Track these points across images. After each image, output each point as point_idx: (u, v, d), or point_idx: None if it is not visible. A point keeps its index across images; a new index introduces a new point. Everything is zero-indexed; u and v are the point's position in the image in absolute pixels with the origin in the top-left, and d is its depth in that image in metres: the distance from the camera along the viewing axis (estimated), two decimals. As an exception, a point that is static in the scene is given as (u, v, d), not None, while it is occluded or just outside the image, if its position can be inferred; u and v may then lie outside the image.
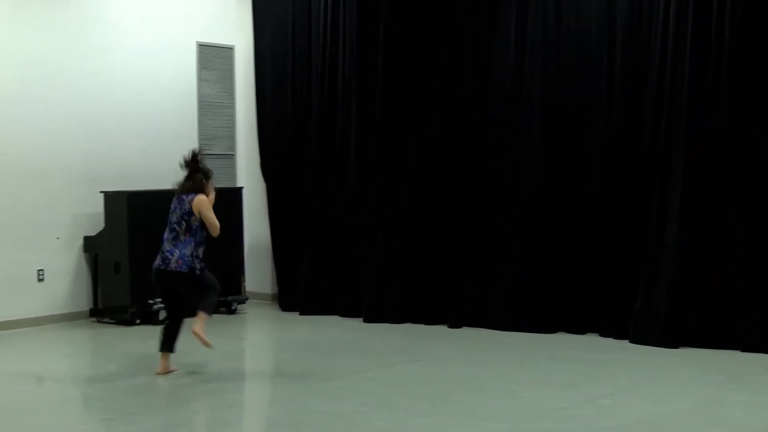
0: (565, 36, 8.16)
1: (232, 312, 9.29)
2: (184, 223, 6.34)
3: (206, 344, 6.19)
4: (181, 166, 6.45)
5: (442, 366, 6.98)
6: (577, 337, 7.96)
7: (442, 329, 8.43)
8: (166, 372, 6.46)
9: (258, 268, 10.03)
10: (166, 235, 6.38)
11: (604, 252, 7.93)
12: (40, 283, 8.65)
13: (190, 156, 6.43)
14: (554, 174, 8.18)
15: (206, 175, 6.47)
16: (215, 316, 9.11)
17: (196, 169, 6.42)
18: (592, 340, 7.87)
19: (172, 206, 6.42)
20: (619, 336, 7.78)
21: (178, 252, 6.29)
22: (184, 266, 6.29)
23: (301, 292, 9.36)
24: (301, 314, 9.25)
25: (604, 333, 7.91)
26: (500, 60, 8.43)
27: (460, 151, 8.58)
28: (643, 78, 7.74)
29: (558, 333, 8.09)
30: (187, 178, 6.42)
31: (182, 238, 6.32)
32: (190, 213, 6.34)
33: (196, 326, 6.14)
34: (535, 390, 6.18)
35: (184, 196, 6.38)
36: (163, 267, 6.30)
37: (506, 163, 8.40)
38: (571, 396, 6.01)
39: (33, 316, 8.56)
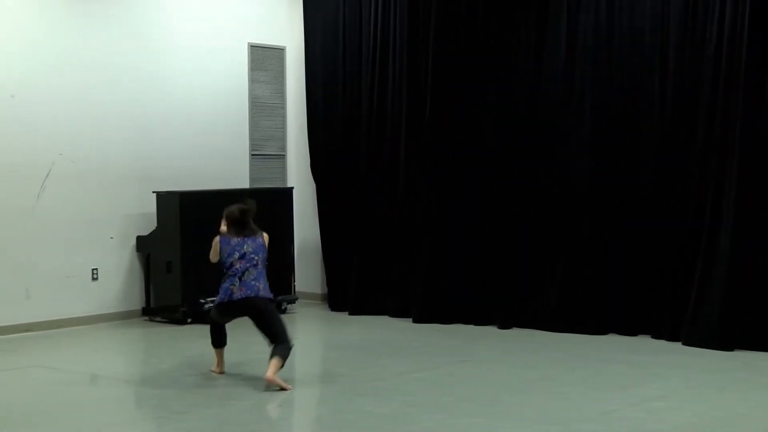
0: (617, 37, 8.07)
1: (282, 312, 9.34)
2: (261, 255, 6.56)
3: (285, 388, 6.23)
4: (233, 216, 6.59)
5: (491, 367, 6.95)
6: (628, 339, 7.88)
7: (491, 330, 8.40)
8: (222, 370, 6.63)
9: (308, 268, 10.08)
10: (238, 267, 6.44)
11: (657, 254, 7.84)
12: (94, 282, 8.79)
13: (240, 213, 6.59)
14: (606, 177, 8.10)
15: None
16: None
17: (247, 219, 6.62)
18: (643, 341, 7.78)
19: (238, 243, 6.52)
20: (671, 338, 7.69)
21: (263, 281, 6.52)
22: (270, 293, 6.57)
23: (350, 292, 9.38)
24: (350, 314, 9.28)
25: (657, 335, 7.82)
26: (551, 61, 8.38)
27: (510, 153, 8.53)
28: (696, 80, 7.63)
29: (609, 334, 8.02)
30: (247, 225, 6.61)
31: (260, 268, 6.52)
32: (265, 249, 6.63)
33: (271, 373, 6.18)
34: (585, 392, 6.13)
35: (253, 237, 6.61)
36: (253, 295, 6.42)
37: (557, 165, 8.34)
38: (621, 398, 5.94)
39: (87, 314, 8.70)
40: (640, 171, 7.98)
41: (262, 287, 6.47)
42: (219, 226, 6.61)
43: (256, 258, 6.50)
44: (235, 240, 6.52)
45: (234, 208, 6.60)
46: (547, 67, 8.41)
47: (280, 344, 6.30)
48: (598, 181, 8.14)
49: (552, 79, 8.37)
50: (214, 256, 6.57)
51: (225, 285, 6.43)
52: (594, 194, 8.14)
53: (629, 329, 7.98)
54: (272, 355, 6.24)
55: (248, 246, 6.52)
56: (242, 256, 6.46)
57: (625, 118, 8.05)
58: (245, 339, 7.80)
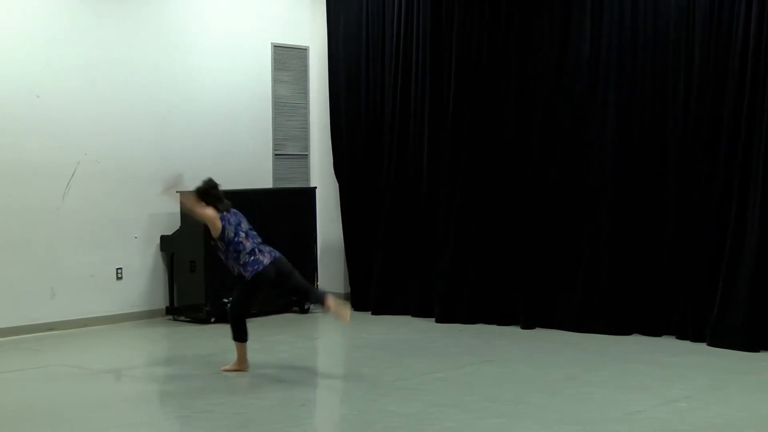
0: (642, 34, 8.02)
1: (305, 311, 9.36)
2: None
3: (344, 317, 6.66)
4: (215, 191, 6.72)
5: (514, 367, 6.93)
6: (652, 339, 7.83)
7: (514, 330, 8.38)
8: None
9: (330, 268, 10.09)
10: (255, 240, 6.67)
11: (682, 254, 7.78)
12: (119, 282, 8.83)
13: (216, 185, 6.75)
14: (629, 176, 8.06)
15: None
16: (288, 315, 9.25)
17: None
18: (668, 342, 7.74)
19: (236, 218, 6.71)
20: (696, 338, 7.64)
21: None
22: None
23: (373, 291, 9.38)
24: (373, 314, 9.28)
25: (681, 335, 7.77)
26: (574, 59, 8.34)
27: (533, 152, 8.51)
28: (722, 79, 7.57)
29: (633, 335, 7.98)
30: (222, 197, 6.73)
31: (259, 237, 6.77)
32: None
33: (333, 302, 6.61)
34: (609, 392, 6.10)
35: (233, 210, 6.77)
36: (278, 254, 6.72)
37: (580, 163, 8.30)
38: (646, 399, 5.91)
39: (111, 313, 8.74)
40: (665, 170, 7.92)
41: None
42: (195, 208, 6.66)
43: (253, 229, 6.71)
44: (226, 216, 6.65)
45: (210, 183, 6.71)
46: (570, 66, 8.37)
47: (318, 292, 6.86)
48: (621, 180, 8.09)
49: (575, 78, 8.33)
50: (216, 232, 6.58)
51: (250, 260, 6.53)
52: (618, 194, 8.10)
53: (653, 330, 7.94)
54: (324, 297, 6.61)
55: (242, 222, 6.70)
56: (246, 234, 6.63)
57: (649, 116, 8.00)
58: (269, 338, 7.84)
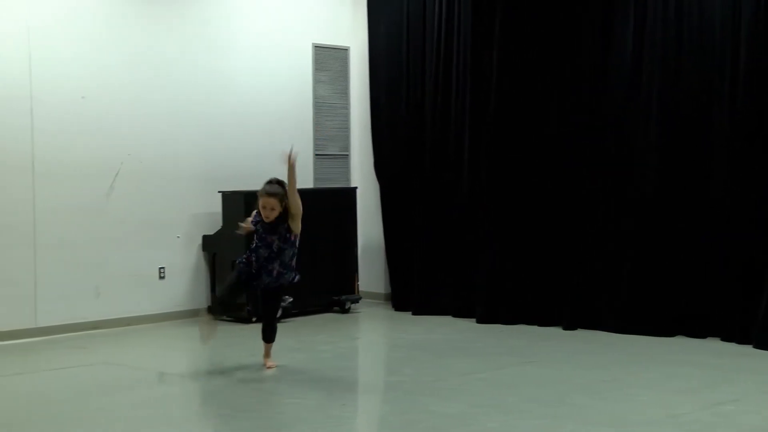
0: (686, 33, 7.92)
1: (346, 311, 9.37)
2: None
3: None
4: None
5: (556, 368, 6.88)
6: (696, 341, 7.74)
7: (556, 331, 8.32)
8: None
9: (371, 268, 10.09)
10: None
11: (727, 255, 7.68)
12: (161, 281, 8.91)
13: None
14: (673, 177, 7.96)
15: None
16: (329, 314, 9.27)
17: None
18: (712, 344, 7.64)
19: None
20: (742, 340, 7.53)
21: None
22: None
23: (414, 291, 9.37)
24: (413, 314, 9.27)
25: (726, 337, 7.66)
26: (617, 58, 8.26)
27: (574, 152, 8.44)
28: (769, 78, 7.46)
29: (677, 336, 7.89)
30: None
31: None
32: None
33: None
34: (653, 394, 6.03)
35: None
36: None
37: (623, 165, 8.22)
38: (691, 401, 5.83)
39: (154, 312, 8.82)
40: (709, 172, 7.82)
41: None
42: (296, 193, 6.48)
43: None
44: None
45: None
46: (613, 66, 8.29)
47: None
48: (665, 181, 8.00)
49: (618, 78, 8.25)
50: (299, 228, 6.50)
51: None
52: (661, 195, 8.01)
53: (698, 331, 7.84)
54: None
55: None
56: None
57: (694, 118, 7.89)
58: (310, 338, 7.86)
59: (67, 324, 8.24)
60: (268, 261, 6.52)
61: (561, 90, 8.53)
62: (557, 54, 8.55)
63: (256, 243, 6.55)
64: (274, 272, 6.54)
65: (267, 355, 6.74)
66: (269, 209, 6.38)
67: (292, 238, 6.51)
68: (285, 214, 6.45)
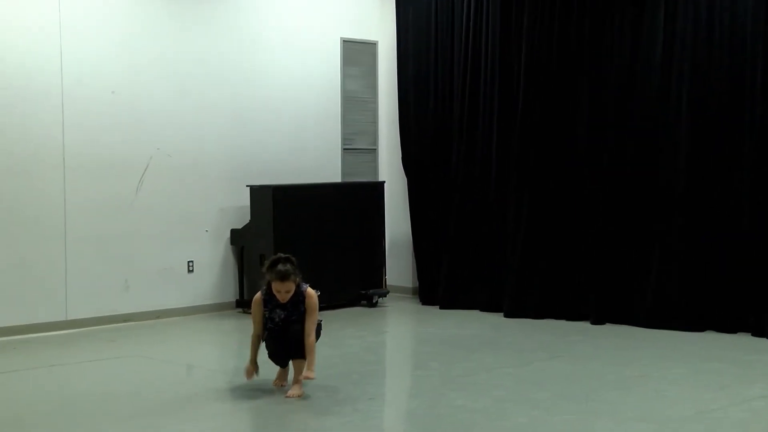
0: (718, 28, 7.83)
1: (374, 305, 9.38)
2: None
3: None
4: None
5: (585, 363, 6.85)
6: (727, 336, 7.68)
7: (584, 325, 8.28)
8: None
9: (399, 262, 10.09)
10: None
11: (757, 250, 7.61)
12: (190, 275, 8.95)
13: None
14: (703, 174, 7.90)
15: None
16: (356, 309, 9.28)
17: None
18: (743, 339, 7.58)
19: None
20: (773, 336, 7.47)
21: None
22: None
23: (441, 286, 9.36)
24: (441, 308, 9.26)
25: (757, 332, 7.60)
26: (647, 57, 8.18)
27: (603, 149, 8.38)
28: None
29: (706, 332, 7.83)
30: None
31: None
32: None
33: None
34: (683, 390, 5.99)
35: None
36: None
37: (653, 161, 8.16)
38: (722, 397, 5.79)
39: (183, 306, 8.87)
40: (739, 168, 7.74)
41: None
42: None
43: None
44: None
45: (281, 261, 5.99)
46: (642, 63, 8.21)
47: None
48: (695, 177, 7.93)
49: (648, 75, 8.17)
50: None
51: None
52: (691, 190, 7.94)
53: (728, 326, 7.77)
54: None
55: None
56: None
57: (725, 114, 7.80)
58: (338, 332, 7.88)
59: (97, 317, 8.31)
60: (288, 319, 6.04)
61: (590, 87, 8.46)
62: (587, 50, 8.48)
63: (269, 315, 6.04)
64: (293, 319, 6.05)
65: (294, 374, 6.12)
66: (284, 292, 5.93)
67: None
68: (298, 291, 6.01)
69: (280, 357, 6.10)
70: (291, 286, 5.94)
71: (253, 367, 6.05)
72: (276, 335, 6.02)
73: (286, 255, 6.02)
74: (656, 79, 8.13)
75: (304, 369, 5.94)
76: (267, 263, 6.02)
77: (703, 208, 7.91)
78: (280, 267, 5.92)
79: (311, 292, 6.04)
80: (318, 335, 6.09)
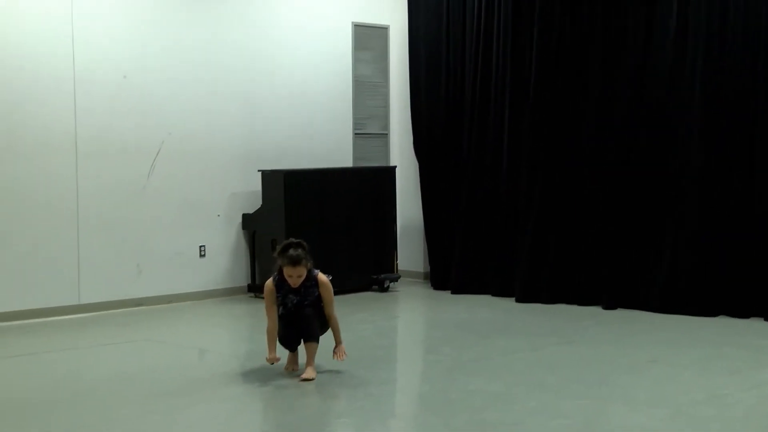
0: (732, 17, 7.76)
1: (385, 290, 9.39)
2: None
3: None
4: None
5: (596, 348, 6.84)
6: (739, 321, 7.66)
7: (596, 310, 8.27)
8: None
9: (410, 247, 10.09)
10: None
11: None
12: (202, 259, 8.97)
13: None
14: (717, 158, 7.85)
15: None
16: (368, 293, 9.29)
17: None
18: (756, 324, 7.56)
19: None
20: (786, 321, 7.45)
21: None
22: None
23: (453, 270, 9.36)
24: (452, 293, 9.26)
25: (770, 318, 7.59)
26: (659, 44, 8.12)
27: (615, 136, 8.35)
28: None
29: (719, 317, 7.81)
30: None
31: None
32: None
33: None
34: (695, 374, 5.98)
35: None
36: None
37: (665, 148, 8.11)
38: (735, 382, 5.78)
39: (195, 290, 8.89)
40: (753, 153, 7.70)
41: None
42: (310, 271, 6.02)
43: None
44: None
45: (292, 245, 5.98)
46: (655, 50, 8.15)
47: None
48: (708, 162, 7.89)
49: (660, 63, 8.11)
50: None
51: None
52: (704, 175, 7.91)
53: (741, 311, 7.75)
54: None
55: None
56: None
57: (738, 102, 7.76)
58: (350, 317, 7.89)
59: (109, 301, 8.34)
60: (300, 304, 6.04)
61: (602, 74, 8.40)
62: (598, 38, 8.42)
63: (282, 301, 6.02)
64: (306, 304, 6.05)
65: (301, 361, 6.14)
66: (296, 277, 5.91)
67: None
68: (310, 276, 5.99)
69: (290, 341, 6.12)
70: (302, 271, 5.94)
71: (275, 356, 6.03)
72: (288, 320, 6.04)
73: (298, 240, 6.02)
74: (668, 67, 8.07)
75: (314, 357, 5.97)
76: (279, 248, 6.03)
77: (717, 193, 7.88)
78: (292, 252, 5.92)
79: (323, 279, 6.04)
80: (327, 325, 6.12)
